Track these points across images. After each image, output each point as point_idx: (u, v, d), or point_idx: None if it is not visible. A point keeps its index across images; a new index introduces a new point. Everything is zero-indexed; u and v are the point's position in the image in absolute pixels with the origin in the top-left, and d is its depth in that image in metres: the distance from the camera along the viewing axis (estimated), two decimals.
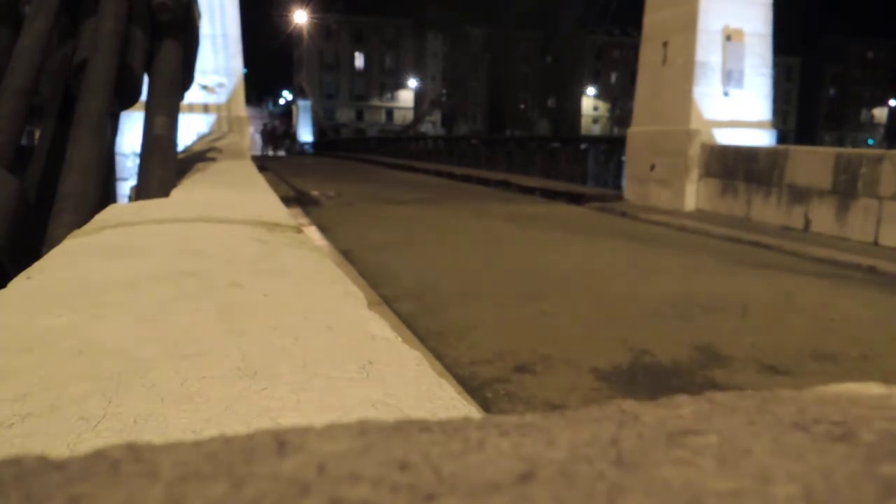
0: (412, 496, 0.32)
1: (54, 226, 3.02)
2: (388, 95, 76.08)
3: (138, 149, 4.06)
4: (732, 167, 10.53)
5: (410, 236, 8.83)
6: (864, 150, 9.04)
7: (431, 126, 67.16)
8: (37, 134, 4.14)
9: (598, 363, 3.97)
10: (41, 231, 3.07)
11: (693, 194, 11.16)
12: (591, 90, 78.93)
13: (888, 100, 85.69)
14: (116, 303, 1.45)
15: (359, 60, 74.49)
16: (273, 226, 2.56)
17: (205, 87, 11.17)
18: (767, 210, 9.84)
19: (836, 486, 0.33)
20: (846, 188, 8.59)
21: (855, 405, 0.44)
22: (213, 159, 5.99)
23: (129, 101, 4.07)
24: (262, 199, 3.45)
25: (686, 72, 11.20)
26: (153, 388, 1.01)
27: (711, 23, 11.06)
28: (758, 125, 11.51)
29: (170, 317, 1.36)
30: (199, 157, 6.26)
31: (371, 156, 32.34)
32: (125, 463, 0.36)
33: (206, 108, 11.40)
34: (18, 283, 1.64)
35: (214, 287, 1.60)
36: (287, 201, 8.75)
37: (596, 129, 76.27)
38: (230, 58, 11.70)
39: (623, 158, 13.55)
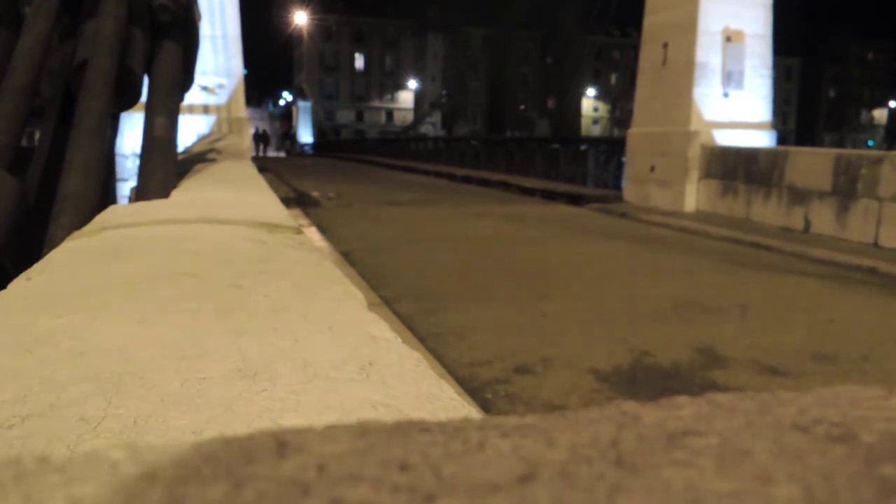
0: (412, 497, 0.32)
1: (54, 227, 3.02)
2: (389, 96, 76.06)
3: (138, 150, 4.06)
4: (732, 168, 10.53)
5: (410, 237, 8.83)
6: (864, 152, 9.04)
7: (432, 127, 67.10)
8: (37, 135, 4.14)
9: (598, 364, 3.97)
10: (41, 232, 3.07)
11: (693, 195, 11.16)
12: (590, 91, 78.91)
13: (888, 101, 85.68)
14: (116, 304, 1.45)
15: (359, 61, 74.49)
16: (273, 227, 2.56)
17: (205, 88, 11.17)
18: (767, 211, 9.85)
19: (837, 487, 0.33)
20: (846, 189, 8.59)
21: (855, 406, 0.44)
22: (213, 160, 5.99)
23: (130, 101, 4.07)
24: (262, 200, 3.45)
25: (686, 73, 11.20)
26: (153, 388, 1.00)
27: (711, 24, 11.07)
28: (758, 126, 11.51)
29: (170, 317, 1.36)
30: (199, 157, 6.27)
31: (371, 157, 32.34)
32: (125, 464, 0.36)
33: (206, 109, 11.40)
34: (18, 283, 1.64)
35: (214, 288, 1.60)
36: (287, 202, 8.75)
37: (596, 130, 76.24)
38: (230, 59, 11.70)
39: (623, 159, 13.55)
